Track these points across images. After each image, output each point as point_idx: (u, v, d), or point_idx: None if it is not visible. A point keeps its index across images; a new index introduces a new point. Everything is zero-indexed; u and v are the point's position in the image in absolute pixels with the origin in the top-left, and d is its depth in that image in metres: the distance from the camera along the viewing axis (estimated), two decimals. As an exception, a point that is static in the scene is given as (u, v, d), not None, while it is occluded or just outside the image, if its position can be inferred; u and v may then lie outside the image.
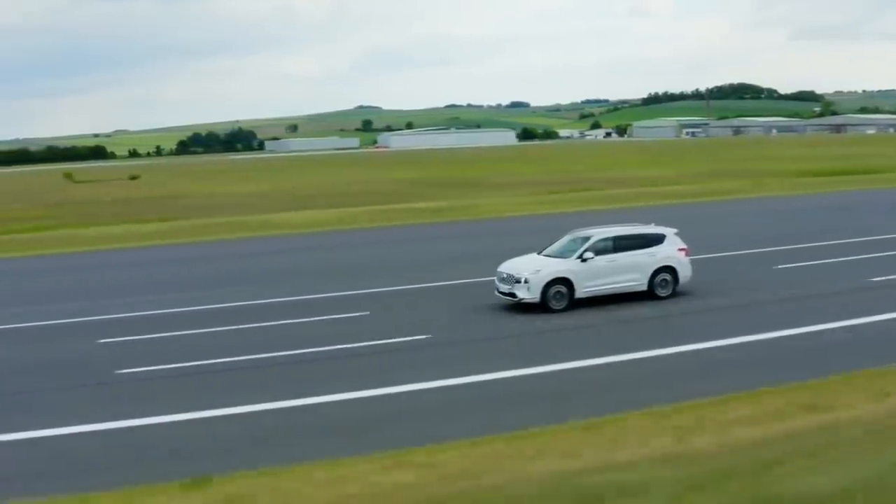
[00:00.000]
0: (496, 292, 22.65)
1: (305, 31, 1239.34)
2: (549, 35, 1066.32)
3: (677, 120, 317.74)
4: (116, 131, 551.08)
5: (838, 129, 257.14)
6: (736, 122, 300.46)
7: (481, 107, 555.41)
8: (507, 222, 45.47)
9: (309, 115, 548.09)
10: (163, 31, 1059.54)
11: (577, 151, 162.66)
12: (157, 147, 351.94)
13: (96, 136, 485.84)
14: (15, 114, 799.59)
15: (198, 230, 46.03)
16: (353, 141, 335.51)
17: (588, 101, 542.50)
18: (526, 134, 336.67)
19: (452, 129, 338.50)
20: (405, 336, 20.07)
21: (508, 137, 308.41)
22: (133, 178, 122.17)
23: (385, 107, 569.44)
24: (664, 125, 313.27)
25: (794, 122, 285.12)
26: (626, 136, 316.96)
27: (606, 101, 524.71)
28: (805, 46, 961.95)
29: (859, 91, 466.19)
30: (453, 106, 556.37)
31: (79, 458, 13.41)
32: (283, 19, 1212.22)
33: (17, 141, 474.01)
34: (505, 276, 22.48)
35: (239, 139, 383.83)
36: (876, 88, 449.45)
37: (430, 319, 21.93)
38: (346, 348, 19.24)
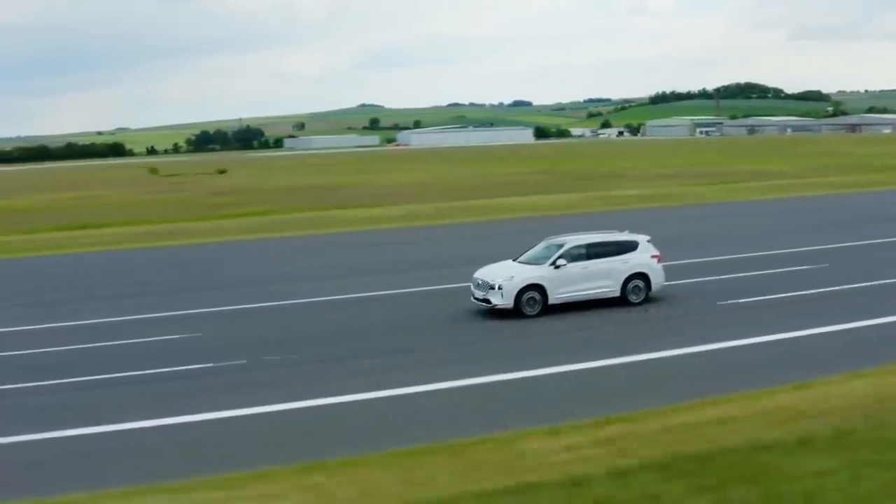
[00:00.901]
0: (472, 298, 23.23)
1: (306, 29, 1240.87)
2: (549, 34, 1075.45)
3: (691, 119, 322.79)
4: (118, 129, 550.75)
5: (853, 128, 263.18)
6: (750, 121, 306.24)
7: (483, 105, 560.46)
8: (726, 206, 49.92)
9: (312, 113, 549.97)
10: (162, 29, 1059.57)
11: (638, 149, 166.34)
12: (175, 144, 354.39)
13: (100, 133, 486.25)
14: (15, 112, 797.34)
15: (444, 213, 50.42)
16: (374, 139, 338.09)
17: (591, 100, 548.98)
18: (539, 133, 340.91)
19: (470, 128, 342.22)
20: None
21: (526, 136, 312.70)
22: (221, 171, 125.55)
23: (387, 105, 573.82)
24: (677, 124, 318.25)
25: (809, 121, 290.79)
26: (639, 134, 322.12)
27: (609, 100, 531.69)
28: (805, 46, 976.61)
29: (862, 91, 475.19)
30: (455, 105, 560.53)
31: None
32: (284, 17, 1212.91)
33: (19, 139, 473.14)
34: (480, 282, 22.92)
35: (247, 137, 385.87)
36: (878, 88, 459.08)
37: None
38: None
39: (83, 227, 52.80)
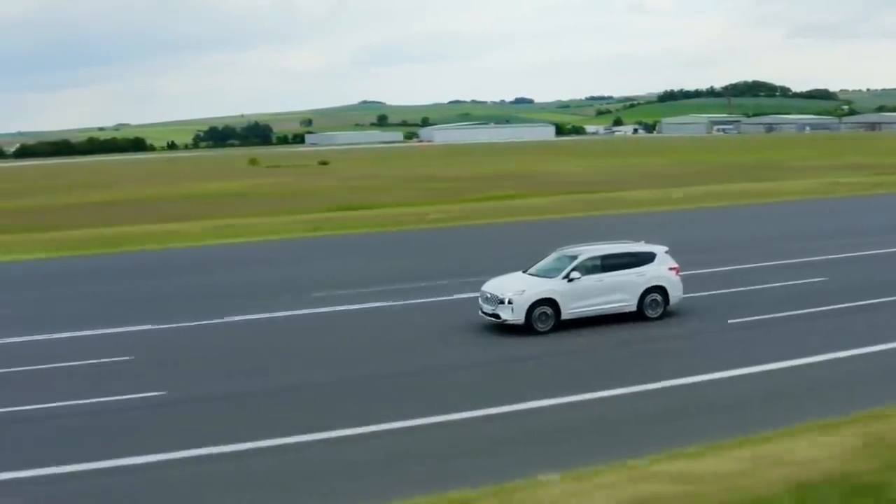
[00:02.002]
0: (480, 312, 22.09)
1: (306, 25, 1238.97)
2: (548, 32, 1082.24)
3: (707, 117, 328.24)
4: (118, 125, 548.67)
5: (872, 127, 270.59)
6: (767, 119, 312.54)
7: (485, 103, 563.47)
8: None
9: (315, 110, 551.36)
10: (162, 25, 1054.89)
11: (696, 147, 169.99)
12: (194, 140, 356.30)
13: (101, 129, 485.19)
14: (14, 107, 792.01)
15: (712, 196, 55.01)
16: (396, 135, 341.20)
17: (593, 98, 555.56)
18: (556, 130, 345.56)
19: (491, 125, 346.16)
20: None
21: (548, 133, 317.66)
22: (323, 163, 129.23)
23: (389, 102, 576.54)
24: (693, 122, 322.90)
25: (826, 120, 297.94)
26: (654, 132, 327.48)
27: (611, 97, 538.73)
28: (803, 44, 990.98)
29: (864, 89, 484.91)
30: (457, 102, 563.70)
31: None
32: (283, 14, 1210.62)
33: (20, 134, 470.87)
34: (489, 296, 21.78)
35: (258, 133, 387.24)
36: (880, 87, 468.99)
37: None
38: None
39: (360, 209, 56.02)
